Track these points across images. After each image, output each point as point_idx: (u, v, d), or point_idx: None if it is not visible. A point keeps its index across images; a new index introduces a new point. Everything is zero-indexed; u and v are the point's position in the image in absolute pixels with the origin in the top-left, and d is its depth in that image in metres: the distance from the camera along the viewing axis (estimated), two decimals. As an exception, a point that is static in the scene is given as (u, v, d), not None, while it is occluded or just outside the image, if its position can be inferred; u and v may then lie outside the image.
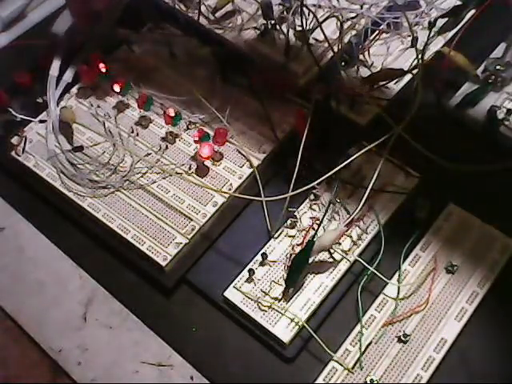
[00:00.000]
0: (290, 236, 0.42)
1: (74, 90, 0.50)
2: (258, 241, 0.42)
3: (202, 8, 0.53)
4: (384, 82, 0.48)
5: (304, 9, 0.48)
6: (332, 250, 0.41)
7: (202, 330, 0.40)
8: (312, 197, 0.44)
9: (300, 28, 0.48)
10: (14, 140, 0.47)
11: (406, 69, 0.48)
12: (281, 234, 0.43)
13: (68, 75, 0.50)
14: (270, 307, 0.40)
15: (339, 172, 0.43)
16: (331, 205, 0.43)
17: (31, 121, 0.48)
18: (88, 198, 0.44)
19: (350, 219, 0.42)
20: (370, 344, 0.39)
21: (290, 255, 0.41)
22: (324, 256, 0.41)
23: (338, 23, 0.51)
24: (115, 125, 0.48)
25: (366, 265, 0.41)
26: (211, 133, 0.46)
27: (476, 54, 0.50)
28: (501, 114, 0.47)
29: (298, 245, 0.42)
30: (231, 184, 0.45)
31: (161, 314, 0.41)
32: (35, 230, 0.45)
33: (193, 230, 0.43)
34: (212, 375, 0.39)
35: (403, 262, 0.41)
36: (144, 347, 0.40)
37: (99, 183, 0.45)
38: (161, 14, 0.52)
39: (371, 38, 0.51)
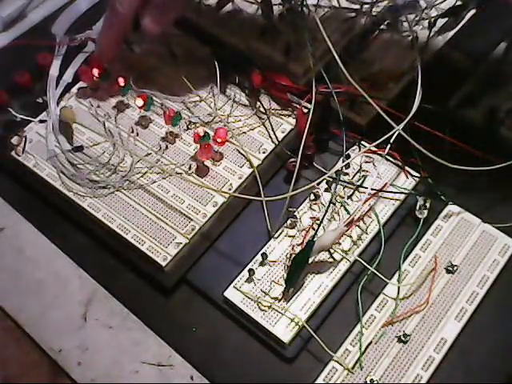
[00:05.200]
0: (290, 236, 0.42)
1: (74, 90, 0.50)
2: (257, 241, 0.42)
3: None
4: (384, 82, 0.48)
5: (304, 9, 0.48)
6: (332, 250, 0.41)
7: (202, 330, 0.40)
8: (312, 197, 0.44)
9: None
10: (14, 140, 0.47)
11: (406, 69, 0.49)
12: (281, 234, 0.43)
13: (68, 75, 0.50)
14: (269, 307, 0.40)
15: (339, 172, 0.44)
16: (331, 205, 0.43)
17: (31, 121, 0.48)
18: (88, 197, 0.44)
19: (349, 219, 0.42)
20: (370, 344, 0.39)
21: (290, 255, 0.41)
22: (324, 256, 0.41)
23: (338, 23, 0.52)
24: (115, 125, 0.48)
25: (366, 265, 0.41)
26: (211, 133, 0.46)
27: (476, 53, 0.50)
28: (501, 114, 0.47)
29: (298, 245, 0.42)
30: (231, 184, 0.45)
31: (161, 314, 0.41)
32: (35, 230, 0.45)
33: (193, 229, 0.43)
34: (212, 375, 0.39)
35: (403, 262, 0.41)
36: (144, 347, 0.40)
37: (99, 183, 0.45)
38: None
39: (371, 37, 0.51)
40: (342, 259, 0.41)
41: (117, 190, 0.45)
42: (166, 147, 0.47)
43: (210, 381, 0.39)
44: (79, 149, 0.46)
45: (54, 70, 0.50)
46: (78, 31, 0.53)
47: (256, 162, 0.46)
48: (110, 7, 0.45)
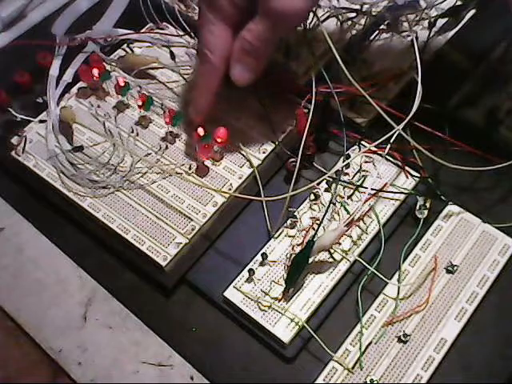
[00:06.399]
0: (290, 236, 0.42)
1: (74, 89, 0.50)
2: (258, 241, 0.42)
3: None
4: (384, 82, 0.48)
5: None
6: (332, 250, 0.41)
7: (202, 330, 0.40)
8: (312, 197, 0.44)
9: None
10: (14, 140, 0.47)
11: (405, 69, 0.49)
12: (281, 234, 0.43)
13: (68, 75, 0.50)
14: (270, 307, 0.40)
15: (339, 172, 0.44)
16: (331, 205, 0.43)
17: (31, 121, 0.48)
18: (88, 197, 0.44)
19: (349, 219, 0.42)
20: (370, 344, 0.39)
21: (290, 255, 0.41)
22: (324, 256, 0.41)
23: (338, 23, 0.52)
24: (115, 125, 0.48)
25: (366, 265, 0.41)
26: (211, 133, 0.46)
27: (476, 53, 0.50)
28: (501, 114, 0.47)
29: (298, 245, 0.42)
30: (231, 184, 0.45)
31: (161, 314, 0.41)
32: (35, 230, 0.45)
33: (193, 229, 0.43)
34: (212, 375, 0.39)
35: (403, 262, 0.41)
36: (144, 347, 0.40)
37: (99, 183, 0.45)
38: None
39: (371, 37, 0.51)
40: (341, 259, 0.41)
41: (117, 190, 0.44)
42: (166, 147, 0.47)
43: (209, 381, 0.39)
44: (79, 149, 0.46)
45: (54, 70, 0.50)
46: (78, 31, 0.53)
47: (256, 162, 0.46)
48: (199, 57, 0.40)
